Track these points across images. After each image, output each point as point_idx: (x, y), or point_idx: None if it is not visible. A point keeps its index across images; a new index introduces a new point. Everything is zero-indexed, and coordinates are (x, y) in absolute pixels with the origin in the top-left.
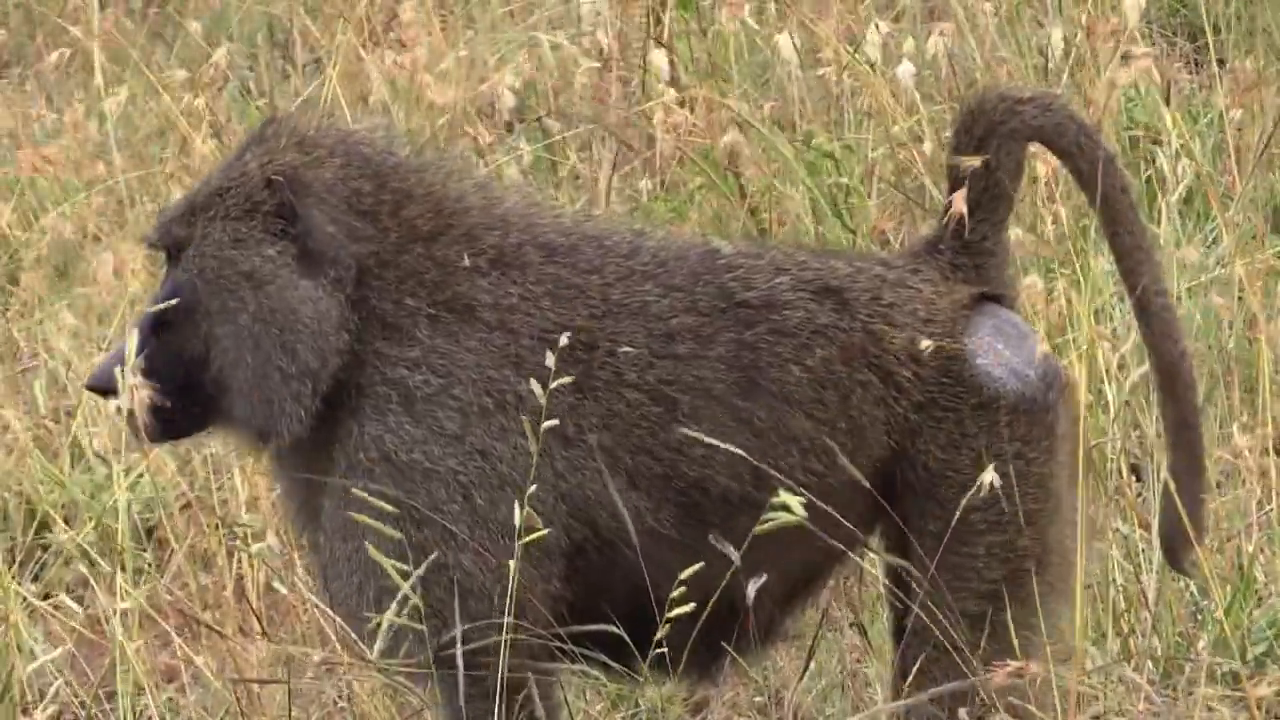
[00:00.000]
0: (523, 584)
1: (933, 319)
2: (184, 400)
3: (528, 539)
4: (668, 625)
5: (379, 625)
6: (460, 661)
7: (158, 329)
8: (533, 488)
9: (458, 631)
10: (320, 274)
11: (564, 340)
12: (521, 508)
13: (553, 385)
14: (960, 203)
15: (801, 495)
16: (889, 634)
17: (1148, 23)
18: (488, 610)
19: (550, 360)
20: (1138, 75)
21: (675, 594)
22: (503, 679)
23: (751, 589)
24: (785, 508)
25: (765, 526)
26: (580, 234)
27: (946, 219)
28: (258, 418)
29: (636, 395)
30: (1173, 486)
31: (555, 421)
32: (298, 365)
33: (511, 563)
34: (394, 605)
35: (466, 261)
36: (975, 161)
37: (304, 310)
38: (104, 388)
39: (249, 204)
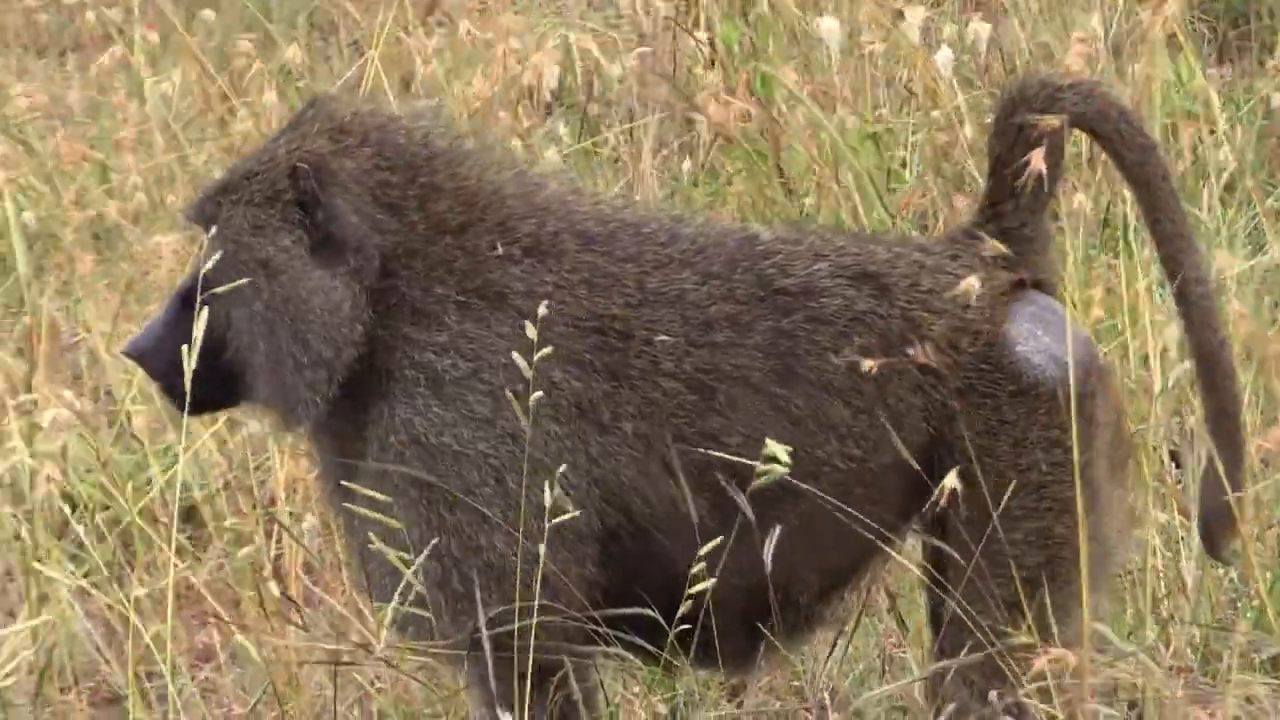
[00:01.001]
0: (557, 567)
1: (972, 305)
2: (208, 375)
3: (557, 519)
4: (689, 602)
5: (408, 607)
6: (526, 643)
7: (187, 304)
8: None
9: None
10: (339, 263)
11: (543, 310)
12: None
13: (537, 356)
14: (1039, 160)
15: (833, 481)
16: (926, 620)
17: (1190, 8)
18: (520, 592)
19: (531, 331)
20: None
21: (695, 569)
22: (506, 660)
23: (767, 553)
24: (774, 460)
25: (758, 482)
26: (619, 221)
27: (1025, 177)
28: (276, 402)
29: (673, 384)
30: (1213, 474)
31: (540, 394)
32: (310, 355)
33: (543, 545)
34: (429, 586)
35: (499, 250)
36: (1054, 122)
37: (315, 301)
38: (139, 355)
39: (271, 191)
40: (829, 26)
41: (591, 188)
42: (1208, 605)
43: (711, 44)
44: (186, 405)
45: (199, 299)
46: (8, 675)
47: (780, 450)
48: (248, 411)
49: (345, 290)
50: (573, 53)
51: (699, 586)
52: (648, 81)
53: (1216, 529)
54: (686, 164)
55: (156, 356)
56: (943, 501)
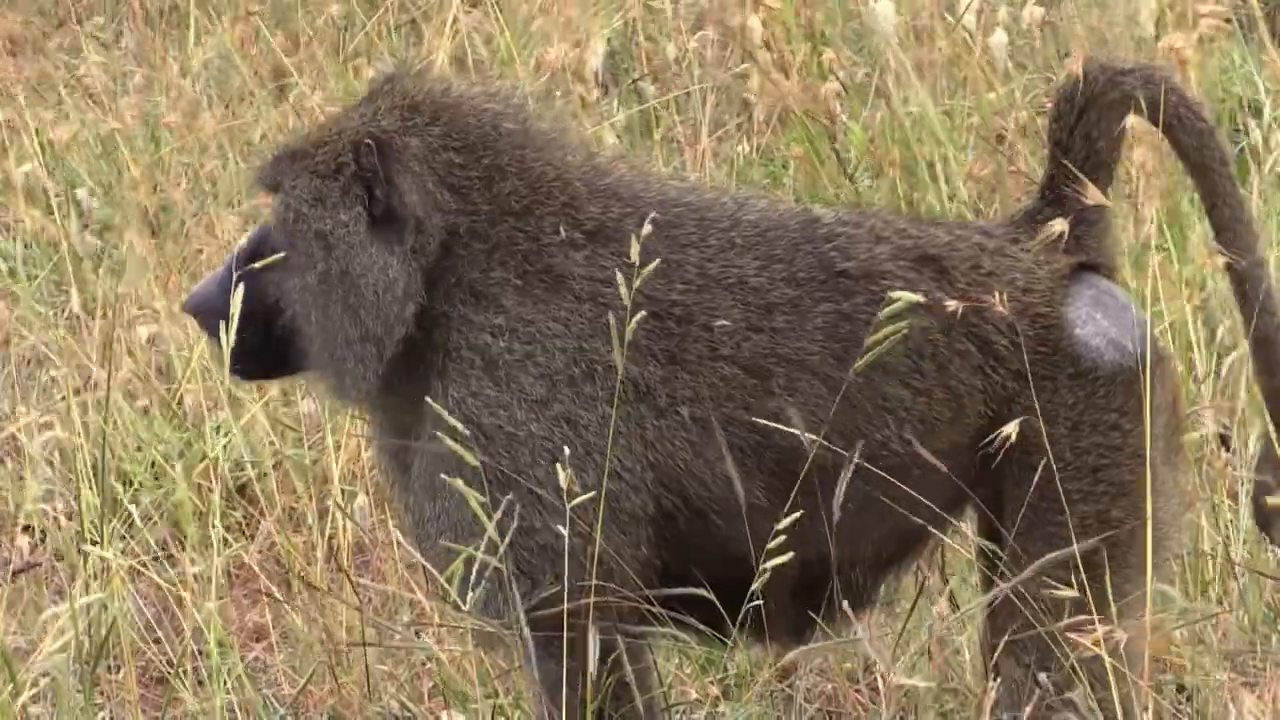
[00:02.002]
0: (611, 549)
1: (1032, 288)
2: (260, 341)
3: (575, 501)
4: (764, 575)
5: (463, 582)
6: (580, 624)
7: (246, 264)
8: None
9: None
10: (397, 241)
11: (647, 228)
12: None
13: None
14: (1076, 67)
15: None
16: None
17: None
18: (574, 573)
19: (634, 250)
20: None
21: (773, 544)
22: (561, 640)
23: (837, 503)
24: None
25: (887, 333)
26: (683, 206)
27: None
28: (327, 374)
29: (731, 369)
30: (1269, 457)
31: (641, 314)
32: (360, 330)
33: (598, 526)
34: (480, 566)
35: (562, 234)
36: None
37: (369, 277)
38: (195, 311)
39: (335, 164)
40: (883, 9)
41: (660, 174)
42: (1257, 589)
43: (766, 25)
44: (226, 367)
45: (255, 263)
46: (56, 654)
47: (909, 295)
48: (305, 380)
49: (401, 268)
50: (629, 32)
51: (775, 560)
52: (705, 62)
53: (1272, 513)
54: (743, 146)
55: (213, 314)
56: (997, 446)
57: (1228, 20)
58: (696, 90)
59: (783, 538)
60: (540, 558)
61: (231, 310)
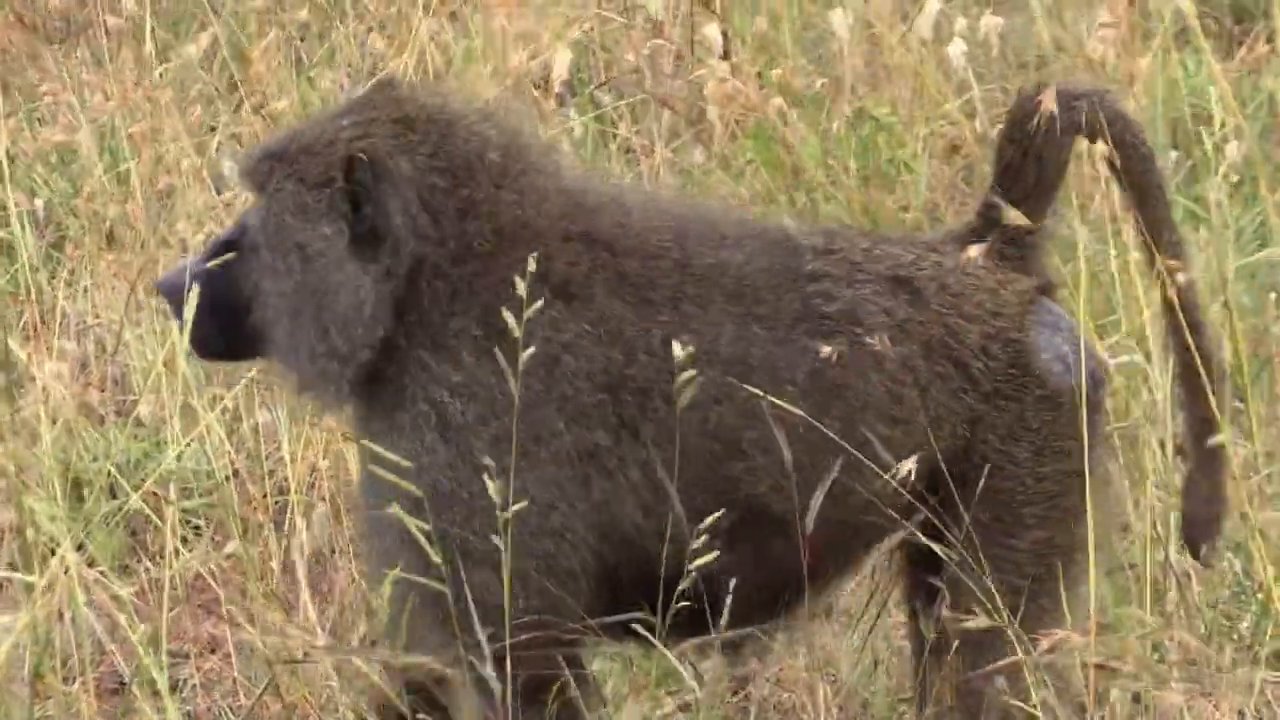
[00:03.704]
0: (547, 604)
1: (1000, 311)
2: (232, 330)
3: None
4: (683, 598)
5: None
6: (519, 658)
7: (226, 252)
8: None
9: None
10: (372, 260)
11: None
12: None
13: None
14: (1050, 102)
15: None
16: (906, 613)
17: (1196, 3)
18: (513, 616)
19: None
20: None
21: (697, 559)
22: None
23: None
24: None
25: (682, 400)
26: (661, 256)
27: (1037, 119)
28: (292, 379)
29: (696, 440)
30: (1195, 481)
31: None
32: (327, 345)
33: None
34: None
35: (520, 289)
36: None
37: (342, 295)
38: (167, 293)
39: (324, 176)
40: (840, 19)
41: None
42: (1205, 599)
43: (725, 35)
44: (184, 346)
45: (228, 254)
46: (7, 665)
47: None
48: (271, 370)
49: (372, 289)
50: (587, 42)
51: (677, 605)
52: (661, 72)
53: (1198, 535)
54: (699, 154)
55: (178, 294)
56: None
57: (1181, 31)
58: (652, 99)
59: (685, 585)
60: (477, 608)
61: (188, 295)
